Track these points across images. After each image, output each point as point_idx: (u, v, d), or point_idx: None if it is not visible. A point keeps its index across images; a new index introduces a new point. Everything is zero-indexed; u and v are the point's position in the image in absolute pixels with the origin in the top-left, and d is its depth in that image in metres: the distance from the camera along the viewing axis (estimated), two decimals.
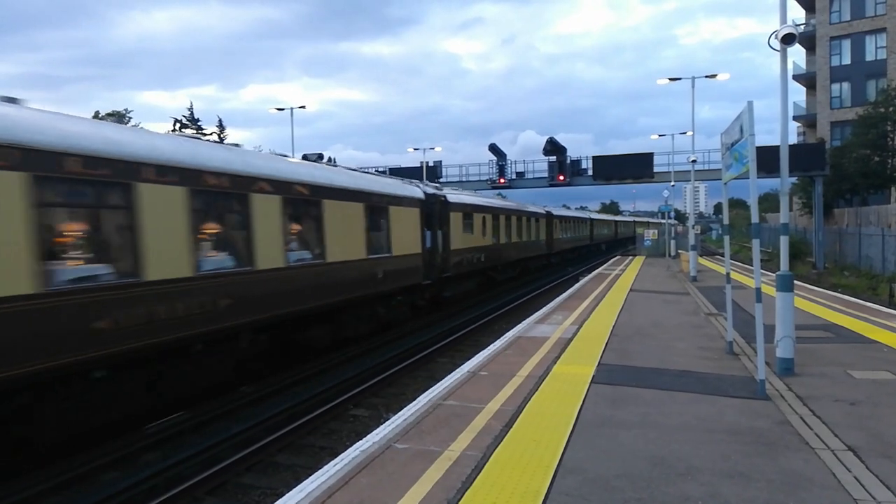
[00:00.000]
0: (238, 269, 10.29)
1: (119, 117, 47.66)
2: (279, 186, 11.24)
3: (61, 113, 8.31)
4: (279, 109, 41.69)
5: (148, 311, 8.38)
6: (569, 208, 61.28)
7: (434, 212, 19.21)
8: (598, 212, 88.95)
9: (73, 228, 8.03)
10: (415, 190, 18.40)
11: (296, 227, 12.25)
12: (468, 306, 21.98)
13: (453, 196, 21.73)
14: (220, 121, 54.40)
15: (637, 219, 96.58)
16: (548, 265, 39.31)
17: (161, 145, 9.17)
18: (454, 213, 20.97)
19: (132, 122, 48.24)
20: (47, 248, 7.35)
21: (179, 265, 9.00)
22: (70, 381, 7.75)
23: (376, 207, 15.24)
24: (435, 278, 19.02)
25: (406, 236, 16.87)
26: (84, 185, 7.87)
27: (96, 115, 44.16)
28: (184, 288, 9.01)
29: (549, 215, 38.08)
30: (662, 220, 40.33)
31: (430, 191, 19.76)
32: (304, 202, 12.27)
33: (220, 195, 10.06)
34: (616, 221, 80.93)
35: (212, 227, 10.09)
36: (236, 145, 12.18)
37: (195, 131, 50.11)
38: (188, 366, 9.57)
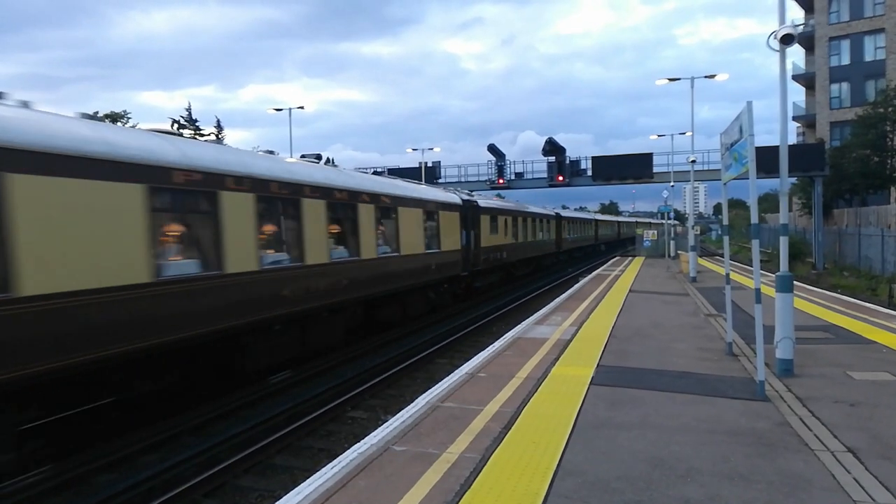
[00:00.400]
0: (352, 258, 13.86)
1: (116, 118, 47.59)
2: (374, 198, 15.03)
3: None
4: (277, 110, 41.67)
5: (307, 284, 11.91)
6: (568, 209, 61.92)
7: (468, 215, 22.07)
8: (598, 212, 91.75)
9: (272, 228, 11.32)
10: (455, 197, 21.50)
11: (382, 227, 15.58)
12: (466, 307, 22.05)
13: (482, 201, 24.96)
14: (217, 121, 54.32)
15: (639, 220, 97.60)
16: (557, 262, 42.82)
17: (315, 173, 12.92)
18: (483, 216, 23.90)
19: (130, 124, 48.23)
20: (262, 240, 10.72)
21: (322, 255, 12.53)
22: (267, 331, 11.02)
23: (430, 212, 18.52)
24: (469, 271, 21.99)
25: (450, 236, 20.02)
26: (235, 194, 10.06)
27: (94, 116, 44.04)
28: (322, 271, 12.46)
29: (558, 217, 41.28)
30: (666, 221, 40.31)
31: (466, 197, 22.81)
32: (388, 209, 15.81)
33: (340, 206, 13.59)
34: (619, 222, 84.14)
35: (336, 228, 13.61)
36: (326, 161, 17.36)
37: (193, 132, 50.09)
38: (321, 325, 12.94)
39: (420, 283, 17.60)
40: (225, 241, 9.57)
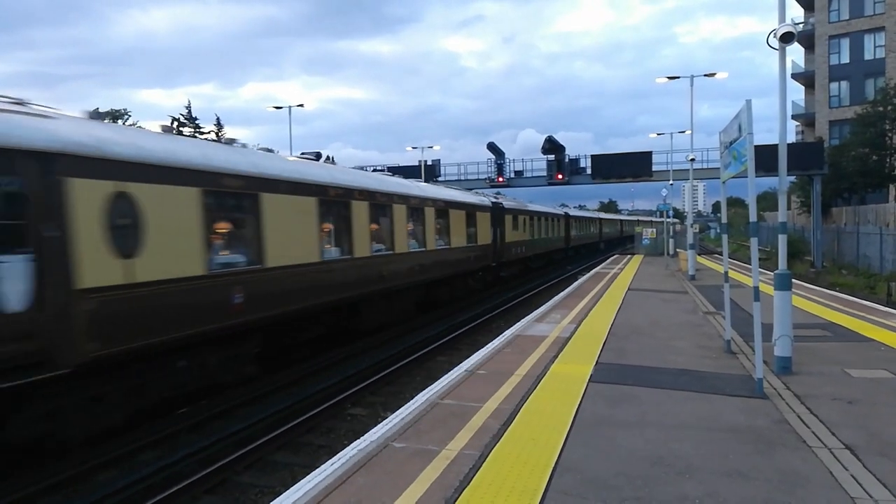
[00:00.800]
0: (422, 249, 17.84)
1: (117, 116, 47.54)
2: (435, 203, 19.19)
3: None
4: (277, 108, 41.62)
5: (395, 268, 15.86)
6: (567, 206, 62.67)
7: (496, 215, 26.08)
8: (598, 210, 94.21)
9: (331, 227, 13.50)
10: (486, 200, 26.01)
11: (437, 226, 19.44)
12: (467, 305, 22.09)
13: (507, 203, 29.21)
14: (217, 119, 54.39)
15: (640, 218, 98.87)
16: (566, 257, 46.62)
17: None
18: (507, 216, 27.89)
19: (130, 122, 48.18)
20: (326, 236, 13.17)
21: (403, 245, 16.42)
22: (372, 301, 15.03)
23: (470, 213, 22.79)
24: (497, 262, 26.16)
25: (483, 232, 24.31)
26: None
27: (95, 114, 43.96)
28: (394, 258, 15.83)
29: (567, 216, 45.27)
30: (671, 220, 40.36)
31: (494, 200, 27.14)
32: (444, 212, 19.99)
33: (413, 210, 17.36)
34: (622, 220, 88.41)
35: (410, 226, 17.19)
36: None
37: (193, 130, 50.06)
38: (397, 301, 16.81)
39: (462, 271, 21.98)
40: (353, 235, 13.80)
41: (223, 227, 10.14)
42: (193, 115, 51.90)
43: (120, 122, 46.04)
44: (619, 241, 73.87)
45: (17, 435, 7.13)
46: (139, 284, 8.04)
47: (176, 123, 50.56)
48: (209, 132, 52.10)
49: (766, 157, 17.87)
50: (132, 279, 7.93)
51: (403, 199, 16.59)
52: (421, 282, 18.00)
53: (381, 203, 15.29)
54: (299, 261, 11.71)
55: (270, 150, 13.26)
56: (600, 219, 66.56)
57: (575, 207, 72.76)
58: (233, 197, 10.28)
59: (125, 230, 7.92)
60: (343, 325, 14.28)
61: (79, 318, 7.13)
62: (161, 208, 8.47)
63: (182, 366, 9.21)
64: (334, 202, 13.27)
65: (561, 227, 42.26)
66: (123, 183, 7.95)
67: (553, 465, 5.26)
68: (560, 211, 44.08)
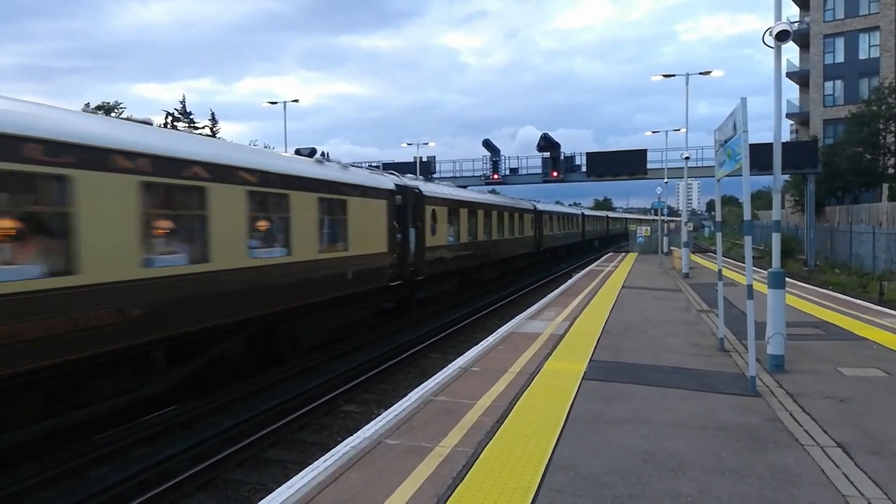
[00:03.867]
0: (471, 242, 23.04)
1: (109, 110, 47.27)
2: (485, 208, 24.86)
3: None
4: (272, 103, 41.45)
5: (442, 255, 20.20)
6: (562, 204, 62.98)
7: (537, 216, 34.87)
8: (592, 208, 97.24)
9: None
10: (529, 204, 34.17)
11: (488, 222, 25.08)
12: (464, 302, 22.06)
13: (542, 206, 36.94)
14: (212, 114, 54.24)
15: (642, 217, 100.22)
16: (582, 248, 52.39)
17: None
18: (544, 216, 36.18)
19: (124, 115, 47.92)
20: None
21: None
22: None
23: (518, 215, 30.65)
24: (536, 250, 34.89)
25: (527, 228, 32.95)
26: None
27: (86, 108, 43.72)
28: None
29: (582, 215, 52.76)
30: (660, 217, 40.48)
31: (535, 204, 35.54)
32: (498, 214, 26.72)
33: (474, 214, 23.45)
34: (626, 218, 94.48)
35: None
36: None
37: (187, 125, 49.81)
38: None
39: (512, 257, 30.57)
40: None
41: None
42: (188, 110, 51.70)
43: (113, 114, 45.83)
44: (624, 236, 70.34)
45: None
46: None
47: (170, 118, 50.33)
48: (203, 127, 51.88)
49: (760, 156, 17.91)
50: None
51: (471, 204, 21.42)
52: (467, 267, 23.72)
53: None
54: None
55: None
56: (608, 217, 68.58)
57: (569, 205, 72.69)
58: None
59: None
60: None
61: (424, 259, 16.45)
62: None
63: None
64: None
65: (578, 223, 44.78)
66: None
67: (546, 462, 5.26)
68: (579, 211, 46.55)
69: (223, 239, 9.67)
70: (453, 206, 21.58)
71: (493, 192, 37.61)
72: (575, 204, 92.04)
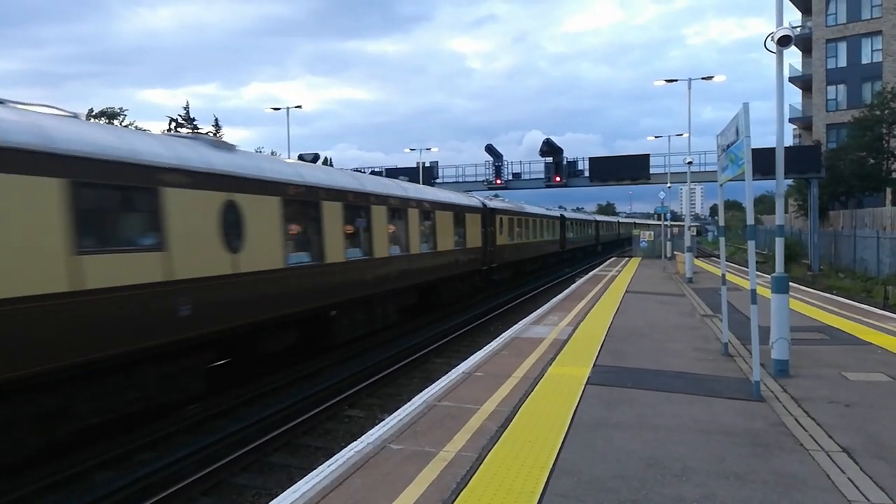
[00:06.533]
0: (521, 243, 29.26)
1: (112, 116, 47.44)
2: (529, 216, 31.02)
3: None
4: (275, 109, 41.62)
5: (505, 252, 27.19)
6: (564, 209, 63.19)
7: (562, 222, 40.84)
8: (596, 213, 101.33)
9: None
10: (556, 213, 39.81)
11: (530, 228, 30.06)
12: (466, 305, 22.12)
13: (567, 214, 43.88)
14: (216, 120, 54.26)
15: (648, 221, 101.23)
16: (595, 252, 56.68)
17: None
18: (567, 222, 42.39)
19: (126, 122, 48.11)
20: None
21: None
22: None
23: (549, 222, 36.38)
24: (561, 250, 40.90)
25: (554, 233, 38.70)
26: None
27: (90, 114, 43.93)
28: (509, 248, 27.75)
29: (596, 221, 59.06)
30: (663, 222, 40.46)
31: (561, 212, 41.28)
32: (535, 221, 31.88)
33: (522, 223, 29.48)
34: (635, 223, 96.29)
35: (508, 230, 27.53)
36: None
37: (191, 131, 49.99)
38: (505, 270, 27.37)
39: (543, 255, 34.66)
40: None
41: None
42: (192, 116, 51.86)
43: (115, 122, 45.98)
44: (615, 243, 71.11)
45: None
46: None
47: (174, 124, 50.49)
48: (207, 133, 52.02)
49: (763, 160, 17.84)
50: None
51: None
52: (512, 263, 29.59)
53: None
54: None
55: None
56: (619, 222, 72.90)
57: (573, 210, 72.59)
58: None
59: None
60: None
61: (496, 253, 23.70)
62: None
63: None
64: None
65: (592, 228, 49.43)
66: None
67: (550, 468, 5.27)
68: (592, 217, 49.76)
69: (418, 237, 17.60)
70: (510, 216, 29.43)
71: (496, 196, 37.70)
72: (579, 209, 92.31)
